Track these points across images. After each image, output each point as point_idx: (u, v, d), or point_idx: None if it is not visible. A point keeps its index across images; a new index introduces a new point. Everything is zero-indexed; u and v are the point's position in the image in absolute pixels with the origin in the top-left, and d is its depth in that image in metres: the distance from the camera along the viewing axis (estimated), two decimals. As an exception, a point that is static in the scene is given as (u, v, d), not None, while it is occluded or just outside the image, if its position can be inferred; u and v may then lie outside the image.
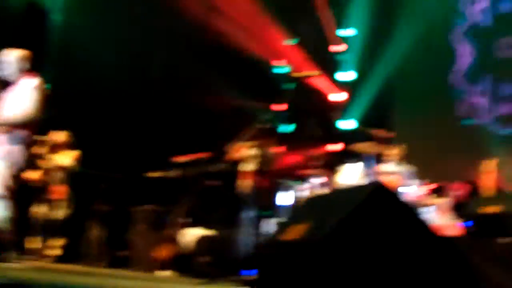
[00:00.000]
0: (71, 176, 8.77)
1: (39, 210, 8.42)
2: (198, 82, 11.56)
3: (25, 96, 5.77)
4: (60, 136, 8.86)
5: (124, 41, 11.79)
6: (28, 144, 5.81)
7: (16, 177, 5.75)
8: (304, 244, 3.54)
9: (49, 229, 8.60)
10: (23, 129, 5.74)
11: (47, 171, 8.52)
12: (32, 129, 5.83)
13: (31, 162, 8.24)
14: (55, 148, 8.80)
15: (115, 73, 11.38)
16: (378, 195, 3.60)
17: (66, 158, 8.74)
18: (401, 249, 3.44)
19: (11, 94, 5.87)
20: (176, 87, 11.96)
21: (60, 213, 8.55)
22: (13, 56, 5.94)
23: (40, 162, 8.44)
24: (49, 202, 8.55)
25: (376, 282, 3.29)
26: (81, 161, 8.88)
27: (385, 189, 3.69)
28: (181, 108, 11.77)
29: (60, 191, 8.60)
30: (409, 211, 3.68)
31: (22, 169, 5.81)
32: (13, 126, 5.71)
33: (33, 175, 8.40)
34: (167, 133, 11.61)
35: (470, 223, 7.14)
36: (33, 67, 6.15)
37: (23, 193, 8.07)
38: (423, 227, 3.60)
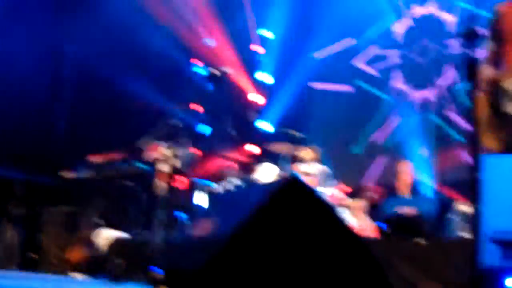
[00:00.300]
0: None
1: None
2: (114, 80, 11.42)
3: None
4: None
5: (35, 37, 11.56)
6: None
7: None
8: (210, 240, 3.50)
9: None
10: None
11: None
12: None
13: None
14: None
15: (24, 70, 11.16)
16: (293, 188, 3.52)
17: None
18: (315, 245, 3.39)
19: None
20: (90, 85, 11.79)
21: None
22: None
23: None
24: None
25: (285, 277, 3.26)
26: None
27: (301, 182, 3.62)
28: (96, 107, 11.60)
29: None
30: (326, 206, 3.66)
31: None
32: None
33: None
34: (81, 133, 11.43)
35: (384, 224, 7.26)
36: None
37: None
38: (339, 223, 3.58)
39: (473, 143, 3.12)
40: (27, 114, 11.34)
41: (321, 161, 8.79)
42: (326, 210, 3.60)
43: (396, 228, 6.97)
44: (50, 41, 12.28)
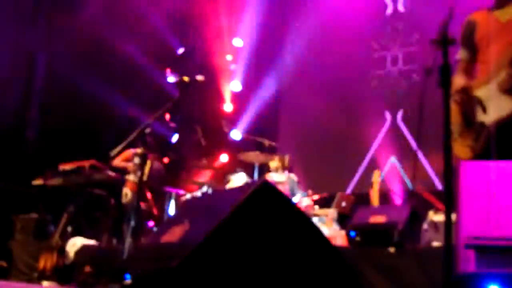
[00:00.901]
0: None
1: None
2: (85, 89, 11.40)
3: None
4: None
5: (7, 44, 11.52)
6: None
7: None
8: (179, 246, 3.50)
9: None
10: None
11: None
12: None
13: None
14: None
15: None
16: (264, 193, 3.52)
17: None
18: (287, 250, 3.40)
19: None
20: (61, 93, 11.76)
21: None
22: None
23: None
24: None
25: (256, 282, 3.26)
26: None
27: (272, 187, 3.64)
28: (66, 116, 11.58)
29: None
30: (297, 211, 3.66)
31: None
32: None
33: None
34: (52, 141, 11.40)
35: (354, 233, 7.29)
36: None
37: None
38: (311, 229, 3.60)
39: (446, 151, 3.15)
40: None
41: (291, 169, 8.86)
42: (297, 215, 3.62)
43: (366, 236, 7.00)
44: (22, 49, 12.26)
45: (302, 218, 3.67)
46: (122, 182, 8.24)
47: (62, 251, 7.99)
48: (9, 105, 12.07)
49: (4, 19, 11.82)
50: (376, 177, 8.25)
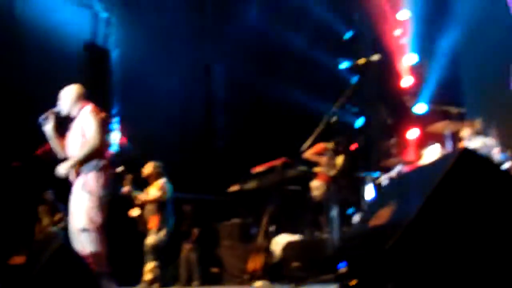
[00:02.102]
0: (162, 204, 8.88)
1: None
2: (262, 92, 11.60)
3: (84, 126, 5.86)
4: (147, 168, 9.01)
5: (186, 60, 11.99)
6: (102, 169, 5.85)
7: (99, 207, 5.79)
8: (390, 227, 3.38)
9: (147, 254, 8.80)
10: (94, 156, 5.82)
11: (142, 205, 8.71)
12: (102, 154, 5.89)
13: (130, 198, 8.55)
14: (148, 180, 8.97)
15: (178, 94, 11.59)
16: (466, 161, 3.26)
17: (154, 190, 8.87)
18: (501, 219, 3.14)
19: (71, 130, 5.98)
20: (240, 99, 12.05)
21: (150, 240, 8.69)
22: (65, 93, 6.03)
23: (136, 198, 8.66)
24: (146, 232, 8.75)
25: (473, 254, 3.08)
26: (166, 188, 8.96)
27: (473, 154, 3.37)
28: (250, 120, 11.84)
29: (153, 221, 8.74)
30: (505, 175, 3.41)
31: (103, 197, 5.84)
32: (84, 160, 5.80)
33: (134, 212, 8.68)
34: (238, 146, 11.69)
35: None
36: (99, 101, 6.24)
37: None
38: None
39: None
40: (186, 135, 11.77)
41: (485, 133, 8.42)
42: (508, 179, 3.35)
43: None
44: (200, 62, 12.73)
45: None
46: (314, 176, 8.24)
47: (268, 251, 8.15)
48: (194, 117, 12.57)
49: (182, 35, 12.34)
50: None
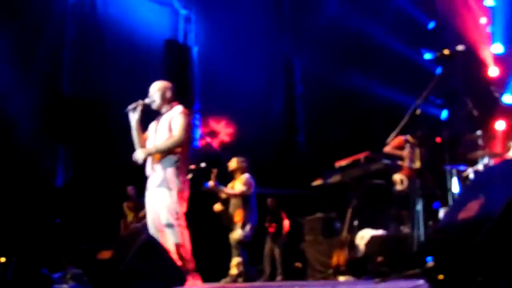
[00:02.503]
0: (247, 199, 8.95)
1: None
2: (343, 85, 11.51)
3: (172, 123, 5.95)
4: (232, 163, 9.12)
5: (262, 57, 12.02)
6: (181, 166, 5.94)
7: (181, 202, 5.88)
8: (480, 221, 3.31)
9: (233, 249, 8.90)
10: (174, 152, 5.90)
11: (226, 200, 8.81)
12: (183, 152, 5.97)
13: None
14: (233, 175, 9.09)
15: (257, 91, 11.62)
16: None
17: (239, 184, 8.96)
18: None
19: (159, 124, 6.09)
20: (320, 94, 11.99)
21: (236, 235, 8.78)
22: (156, 87, 6.17)
23: (221, 193, 8.76)
24: (231, 227, 8.85)
25: None
26: (250, 183, 9.02)
27: None
28: (330, 114, 11.77)
29: (237, 215, 8.83)
30: None
31: (183, 192, 5.93)
32: (164, 152, 5.89)
33: (218, 207, 8.87)
34: (320, 141, 11.64)
35: None
36: (181, 98, 6.36)
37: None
38: None
39: None
40: (267, 130, 11.81)
41: None
42: None
43: None
44: (279, 56, 12.74)
45: None
46: (397, 169, 8.12)
47: (352, 245, 8.09)
48: (275, 112, 12.60)
49: (260, 30, 12.38)
50: None
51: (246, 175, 9.04)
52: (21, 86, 10.04)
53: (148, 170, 6.05)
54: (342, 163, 8.80)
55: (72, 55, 11.41)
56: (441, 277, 3.46)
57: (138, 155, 5.95)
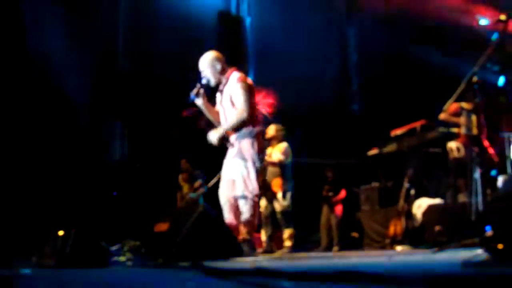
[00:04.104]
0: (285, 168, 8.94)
1: (262, 204, 8.76)
2: (397, 53, 11.35)
3: (233, 97, 5.92)
4: (271, 130, 9.10)
5: (315, 27, 11.93)
6: (255, 135, 5.94)
7: (255, 174, 5.87)
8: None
9: (280, 220, 8.91)
10: (245, 124, 5.89)
11: (263, 168, 8.77)
12: (253, 121, 5.94)
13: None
14: (270, 142, 9.06)
15: (311, 61, 11.56)
16: None
17: (277, 153, 8.95)
18: None
19: (223, 97, 6.05)
20: (376, 62, 11.86)
21: (278, 206, 8.80)
22: (204, 65, 6.07)
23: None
24: (270, 196, 8.85)
25: None
26: (289, 152, 9.00)
27: None
28: (385, 83, 11.64)
29: (276, 184, 8.83)
30: None
31: (258, 163, 5.93)
32: (234, 129, 5.90)
33: None
34: (374, 110, 11.55)
35: None
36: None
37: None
38: None
39: None
40: (322, 101, 11.76)
41: None
42: None
43: None
44: (333, 25, 12.61)
45: None
46: (454, 137, 8.00)
47: (409, 215, 8.04)
48: (329, 81, 12.53)
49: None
50: None
51: (284, 144, 9.02)
52: (77, 63, 10.20)
53: (227, 143, 6.03)
54: (398, 131, 8.72)
55: (126, 31, 11.53)
56: (500, 246, 3.42)
57: (211, 137, 5.94)
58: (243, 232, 5.78)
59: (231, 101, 5.91)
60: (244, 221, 5.79)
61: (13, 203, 8.73)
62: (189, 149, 10.39)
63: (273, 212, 8.94)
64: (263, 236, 9.01)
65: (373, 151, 9.38)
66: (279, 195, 8.78)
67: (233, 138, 5.92)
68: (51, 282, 3.53)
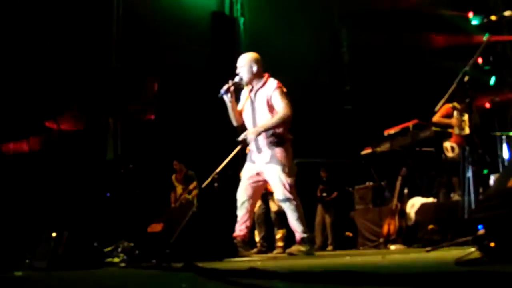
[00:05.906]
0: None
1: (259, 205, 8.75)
2: (387, 53, 11.36)
3: (272, 100, 5.91)
4: None
5: (308, 27, 11.94)
6: (288, 140, 5.96)
7: (291, 176, 5.93)
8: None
9: (274, 220, 8.90)
10: (279, 129, 5.90)
11: None
12: (286, 128, 5.97)
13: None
14: None
15: (304, 61, 11.55)
16: None
17: None
18: None
19: (256, 101, 6.04)
20: (366, 64, 11.87)
21: (274, 207, 8.79)
22: (242, 62, 6.08)
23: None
24: (265, 196, 8.83)
25: None
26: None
27: None
28: (376, 83, 11.66)
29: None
30: None
31: (292, 167, 5.96)
32: (271, 130, 5.89)
33: None
34: (367, 110, 11.56)
35: None
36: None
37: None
38: None
39: None
40: (314, 100, 11.75)
41: None
42: None
43: None
44: (325, 27, 12.62)
45: None
46: (446, 137, 8.02)
47: (402, 214, 8.06)
48: (322, 81, 12.52)
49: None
50: None
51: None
52: (70, 61, 10.15)
53: (252, 145, 6.03)
54: (391, 131, 8.75)
55: (120, 29, 11.49)
56: (492, 244, 3.43)
57: (249, 135, 5.92)
58: (298, 231, 5.89)
59: (267, 105, 5.91)
60: (295, 222, 5.88)
61: (5, 205, 8.69)
62: (181, 150, 10.37)
63: (266, 212, 8.93)
64: (257, 236, 8.99)
65: (367, 151, 9.39)
66: (274, 197, 8.76)
67: (262, 144, 5.91)
68: (44, 284, 3.52)
